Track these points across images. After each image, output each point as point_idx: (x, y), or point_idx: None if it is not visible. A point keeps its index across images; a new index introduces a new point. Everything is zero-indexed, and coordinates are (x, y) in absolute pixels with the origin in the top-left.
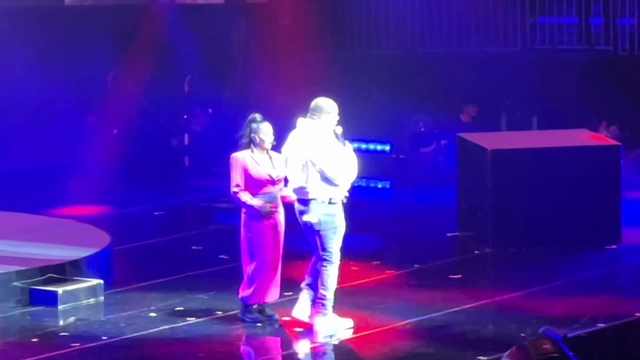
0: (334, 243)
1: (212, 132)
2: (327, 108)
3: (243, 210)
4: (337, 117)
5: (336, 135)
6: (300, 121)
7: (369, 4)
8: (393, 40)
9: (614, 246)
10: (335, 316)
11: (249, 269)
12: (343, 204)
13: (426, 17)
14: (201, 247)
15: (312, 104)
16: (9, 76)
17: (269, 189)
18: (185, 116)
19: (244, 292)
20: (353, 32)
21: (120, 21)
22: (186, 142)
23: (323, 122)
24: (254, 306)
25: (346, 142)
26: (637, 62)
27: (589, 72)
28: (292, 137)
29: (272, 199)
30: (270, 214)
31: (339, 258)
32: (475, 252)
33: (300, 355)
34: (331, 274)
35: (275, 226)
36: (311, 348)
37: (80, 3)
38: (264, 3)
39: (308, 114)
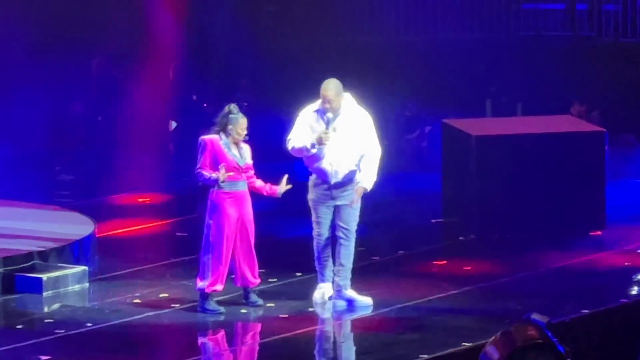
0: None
1: (196, 119)
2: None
3: (210, 197)
4: (323, 99)
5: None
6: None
7: None
8: (377, 26)
9: (599, 232)
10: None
11: (205, 257)
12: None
13: (411, 3)
14: (185, 234)
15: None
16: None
17: (235, 175)
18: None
19: (200, 282)
20: (337, 18)
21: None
22: (171, 128)
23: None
24: (211, 296)
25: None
26: (621, 48)
27: (574, 58)
28: None
29: (235, 188)
30: (224, 177)
31: None
32: (460, 238)
33: (284, 341)
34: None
35: (241, 216)
36: (293, 334)
37: None
38: None
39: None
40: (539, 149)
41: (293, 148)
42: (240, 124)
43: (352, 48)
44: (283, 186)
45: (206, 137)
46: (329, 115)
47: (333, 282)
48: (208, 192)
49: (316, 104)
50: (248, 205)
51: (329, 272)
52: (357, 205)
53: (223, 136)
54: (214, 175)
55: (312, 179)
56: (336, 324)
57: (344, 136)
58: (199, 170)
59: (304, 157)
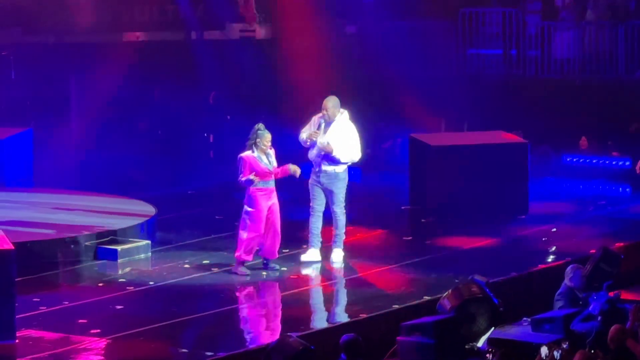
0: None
1: (230, 134)
2: None
3: (247, 193)
4: (323, 108)
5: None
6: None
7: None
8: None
9: (523, 216)
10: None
11: (242, 233)
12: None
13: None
14: (222, 217)
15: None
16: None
17: (266, 177)
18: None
19: (237, 252)
20: (333, 59)
21: (160, 52)
22: (211, 140)
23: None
24: (245, 263)
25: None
26: (540, 83)
27: (505, 89)
28: None
29: (267, 186)
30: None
31: None
32: (422, 220)
33: (295, 295)
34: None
35: (270, 206)
36: (301, 290)
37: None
38: (269, 39)
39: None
40: (479, 155)
41: (300, 138)
42: (265, 138)
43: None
44: (292, 167)
45: (243, 155)
46: (324, 121)
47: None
48: (246, 188)
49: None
50: (275, 198)
51: (316, 240)
52: (342, 187)
53: (255, 149)
54: (250, 177)
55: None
56: (332, 282)
57: (331, 139)
58: (240, 179)
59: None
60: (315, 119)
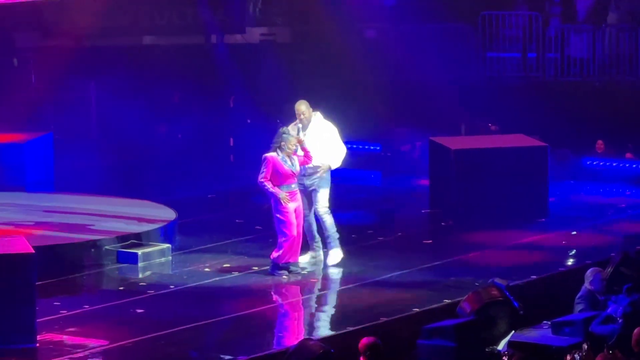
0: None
1: (249, 137)
2: None
3: (272, 197)
4: (297, 114)
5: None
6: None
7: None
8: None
9: (543, 219)
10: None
11: (279, 237)
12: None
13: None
14: (242, 221)
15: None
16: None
17: (290, 180)
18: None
19: (274, 255)
20: (351, 63)
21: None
22: (231, 144)
23: None
24: (280, 264)
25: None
26: (559, 85)
27: (525, 92)
28: None
29: (290, 189)
30: (285, 200)
31: None
32: (442, 223)
33: (315, 299)
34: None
35: (296, 209)
36: (322, 293)
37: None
38: (287, 43)
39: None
40: (500, 158)
41: None
42: (290, 141)
43: (361, 88)
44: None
45: (268, 155)
46: (302, 125)
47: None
48: (272, 195)
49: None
50: (299, 200)
51: (312, 242)
52: (326, 187)
53: (279, 152)
54: (275, 191)
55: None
56: (353, 286)
57: (312, 141)
58: (262, 180)
59: None
60: (292, 128)
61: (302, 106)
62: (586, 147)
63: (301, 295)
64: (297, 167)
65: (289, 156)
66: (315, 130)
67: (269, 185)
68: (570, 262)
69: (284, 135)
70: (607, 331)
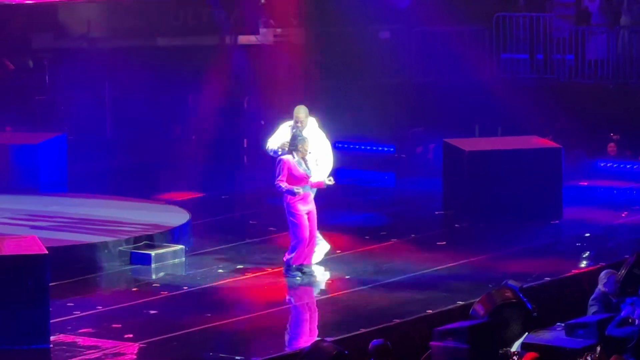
0: None
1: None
2: None
3: (285, 200)
4: (295, 120)
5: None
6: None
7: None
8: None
9: (557, 221)
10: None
11: (292, 239)
12: None
13: (422, 53)
14: (256, 222)
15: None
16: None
17: (303, 182)
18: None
19: (288, 257)
20: (365, 64)
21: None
22: (245, 145)
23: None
24: (294, 266)
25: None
26: (574, 87)
27: (540, 94)
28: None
29: (304, 190)
30: (300, 195)
31: None
32: (456, 225)
33: (329, 300)
34: None
35: (309, 212)
36: (336, 295)
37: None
38: (301, 43)
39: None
40: (513, 160)
41: (268, 148)
42: (306, 143)
43: (378, 90)
44: (327, 181)
45: (284, 158)
46: (298, 130)
47: None
48: (283, 196)
49: (291, 122)
50: (313, 203)
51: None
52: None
53: (295, 155)
54: (294, 189)
55: None
56: (366, 287)
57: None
58: (279, 182)
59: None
60: (286, 128)
61: (301, 113)
62: (600, 148)
63: (314, 296)
64: (311, 171)
65: (303, 159)
66: (309, 137)
67: (284, 185)
68: (583, 264)
69: (299, 138)
70: (626, 334)
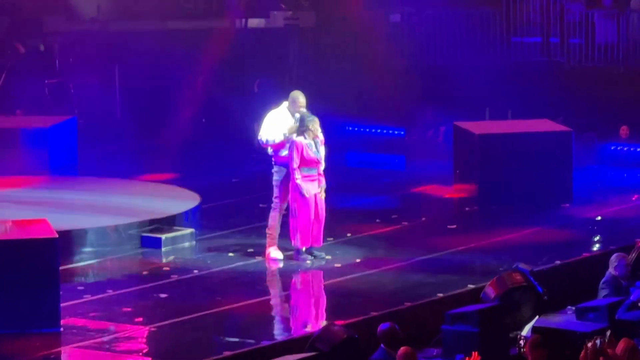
0: None
1: None
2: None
3: (294, 179)
4: (299, 104)
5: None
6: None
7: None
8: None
9: (567, 205)
10: None
11: (294, 222)
12: None
13: (431, 35)
14: (266, 205)
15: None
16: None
17: (312, 165)
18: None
19: (294, 240)
20: (376, 47)
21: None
22: (255, 128)
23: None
24: (304, 249)
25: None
26: (583, 71)
27: (550, 78)
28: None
29: (311, 173)
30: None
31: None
32: (466, 209)
33: (339, 284)
34: None
35: (316, 194)
36: (346, 279)
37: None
38: (311, 27)
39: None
40: (524, 143)
41: (267, 141)
42: (316, 122)
43: (386, 71)
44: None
45: (296, 140)
46: (297, 115)
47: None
48: (290, 178)
49: (282, 108)
50: (319, 186)
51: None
52: None
53: (307, 136)
54: (302, 185)
55: (278, 166)
56: (377, 271)
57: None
58: (295, 167)
59: (271, 147)
60: (279, 115)
61: (302, 98)
62: (611, 132)
63: (325, 280)
64: (321, 154)
65: (314, 140)
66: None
67: (298, 177)
68: (594, 247)
69: (308, 119)
70: (636, 317)
